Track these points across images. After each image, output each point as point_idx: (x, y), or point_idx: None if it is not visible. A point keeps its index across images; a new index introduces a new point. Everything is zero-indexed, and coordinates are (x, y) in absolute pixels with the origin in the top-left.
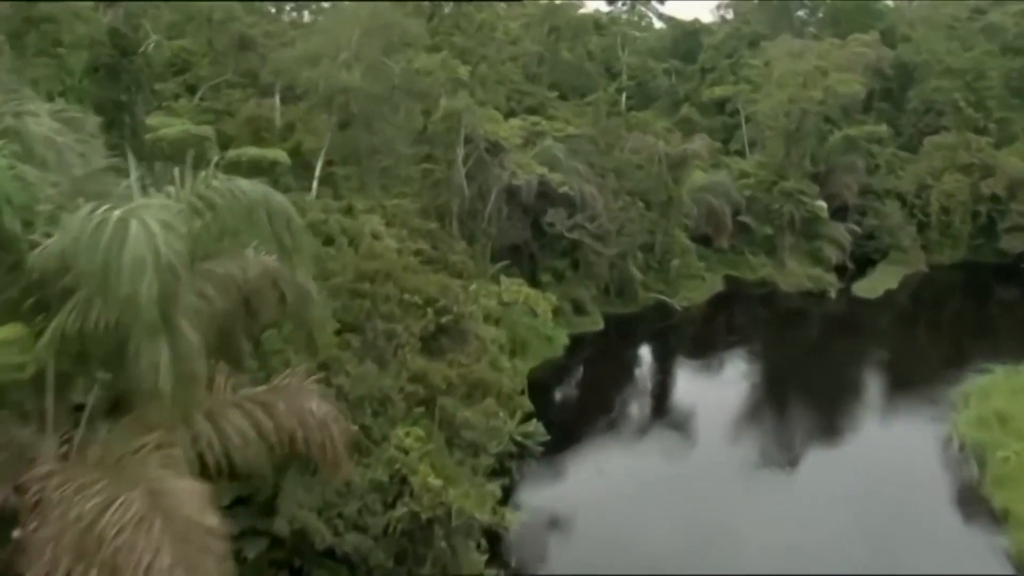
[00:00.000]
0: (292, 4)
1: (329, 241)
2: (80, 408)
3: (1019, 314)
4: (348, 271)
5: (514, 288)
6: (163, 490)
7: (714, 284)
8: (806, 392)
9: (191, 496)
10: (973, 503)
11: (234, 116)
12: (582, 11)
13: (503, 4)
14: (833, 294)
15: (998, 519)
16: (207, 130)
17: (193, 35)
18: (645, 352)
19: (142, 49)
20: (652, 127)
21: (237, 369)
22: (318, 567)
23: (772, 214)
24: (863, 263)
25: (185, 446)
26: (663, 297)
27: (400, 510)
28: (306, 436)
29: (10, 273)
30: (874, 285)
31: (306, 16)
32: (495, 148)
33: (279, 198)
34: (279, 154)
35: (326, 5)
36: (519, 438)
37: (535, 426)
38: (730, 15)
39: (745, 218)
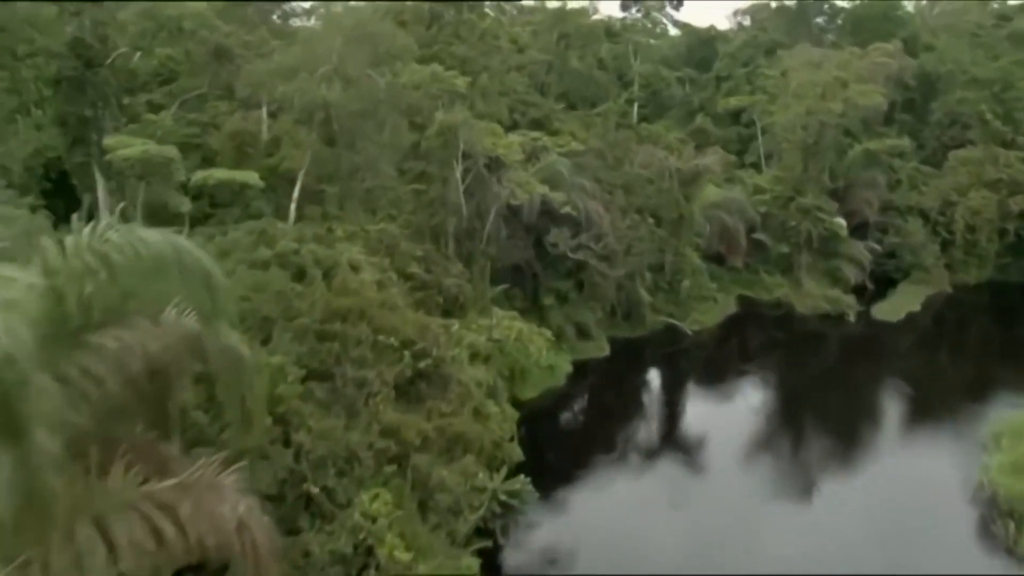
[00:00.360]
0: (278, 12)
1: (300, 274)
2: None
3: None
4: (317, 309)
5: (506, 323)
6: None
7: (727, 305)
8: (824, 425)
9: None
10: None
11: (220, 129)
12: (596, 17)
13: (511, 10)
14: (852, 317)
15: None
16: (171, 150)
17: (164, 45)
18: (653, 379)
19: (109, 60)
20: (664, 139)
21: (141, 458)
22: None
23: (788, 232)
24: (883, 283)
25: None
26: (673, 320)
27: None
28: (220, 542)
29: None
30: (895, 307)
31: (297, 23)
32: (495, 164)
33: (193, 253)
34: (249, 176)
35: (307, 4)
36: (504, 497)
37: (522, 484)
38: (747, 22)
39: (760, 236)
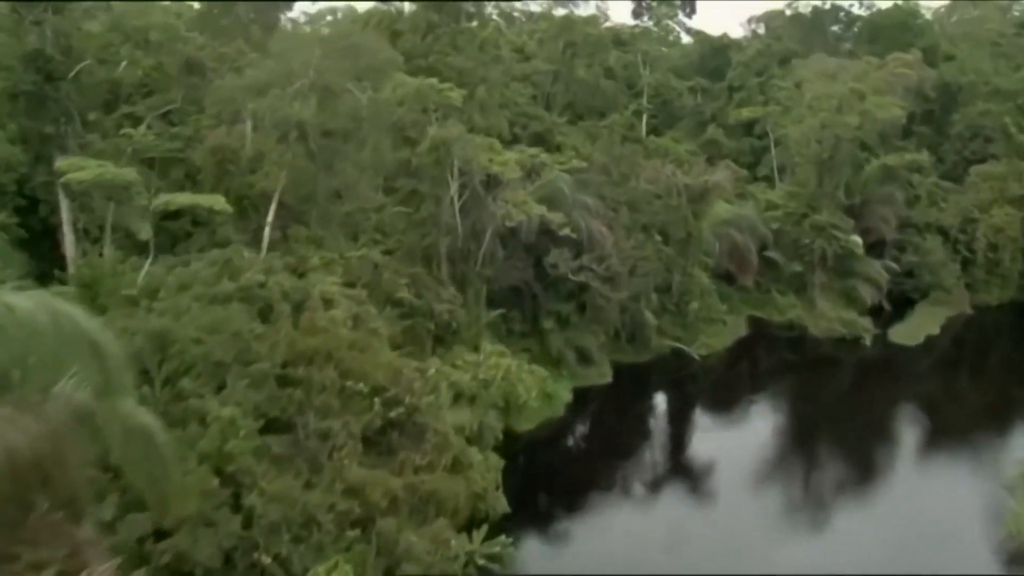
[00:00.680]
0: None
1: (267, 309)
2: None
3: None
4: (279, 352)
5: (493, 360)
6: None
7: (737, 328)
8: (839, 456)
9: None
10: None
11: (204, 143)
12: (607, 25)
13: (519, 17)
14: (868, 340)
15: None
16: (130, 173)
17: (130, 57)
18: (658, 406)
19: (72, 74)
20: (673, 152)
21: (49, 540)
22: None
23: (802, 250)
24: (901, 303)
25: None
26: (679, 344)
27: None
28: None
29: None
30: (914, 330)
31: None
32: (492, 182)
33: (75, 319)
34: (215, 200)
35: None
36: (483, 562)
37: (503, 546)
38: (761, 30)
39: (772, 254)
